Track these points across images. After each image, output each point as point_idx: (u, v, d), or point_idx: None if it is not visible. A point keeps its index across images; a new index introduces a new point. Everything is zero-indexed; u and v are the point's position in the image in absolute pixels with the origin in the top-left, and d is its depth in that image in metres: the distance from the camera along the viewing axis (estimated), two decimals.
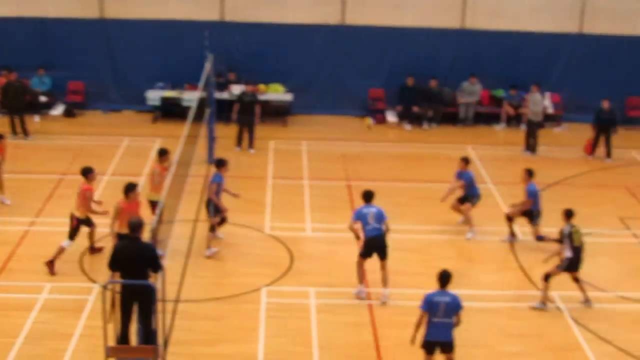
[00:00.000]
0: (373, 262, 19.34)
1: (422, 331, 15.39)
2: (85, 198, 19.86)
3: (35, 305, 18.17)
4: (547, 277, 18.66)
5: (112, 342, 14.17)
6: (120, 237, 17.73)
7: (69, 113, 31.11)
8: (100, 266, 19.15)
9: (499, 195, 24.71)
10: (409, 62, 31.45)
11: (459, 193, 22.28)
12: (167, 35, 31.26)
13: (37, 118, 30.43)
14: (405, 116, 31.16)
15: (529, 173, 21.64)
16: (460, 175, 22.15)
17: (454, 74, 31.76)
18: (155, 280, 14.32)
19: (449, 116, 31.59)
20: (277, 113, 31.35)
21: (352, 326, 17.92)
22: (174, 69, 31.18)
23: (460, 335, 17.09)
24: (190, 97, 28.42)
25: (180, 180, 21.16)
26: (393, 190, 24.44)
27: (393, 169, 26.95)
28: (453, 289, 18.03)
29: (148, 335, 14.13)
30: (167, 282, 14.80)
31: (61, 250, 19.72)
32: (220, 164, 20.83)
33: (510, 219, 21.86)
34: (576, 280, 18.82)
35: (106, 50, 31.61)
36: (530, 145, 28.49)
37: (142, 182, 23.33)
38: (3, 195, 23.22)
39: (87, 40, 31.37)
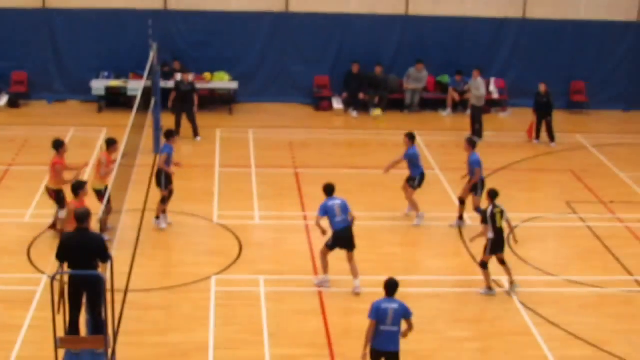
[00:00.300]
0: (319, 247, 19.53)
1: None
2: (56, 172, 20.12)
3: None
4: (483, 265, 18.68)
5: (61, 333, 14.08)
6: None
7: (13, 103, 30.75)
8: (48, 257, 19.02)
9: (446, 181, 24.83)
10: (354, 49, 31.51)
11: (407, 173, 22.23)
12: (110, 25, 31.02)
13: None
14: (351, 103, 31.21)
15: (471, 143, 21.71)
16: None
17: (399, 61, 31.88)
18: (103, 270, 14.25)
19: (395, 103, 31.66)
20: (222, 101, 31.27)
21: (302, 314, 17.94)
22: (118, 59, 30.98)
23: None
24: (135, 87, 28.23)
25: (127, 170, 21.07)
26: (340, 177, 24.37)
27: (340, 156, 27.01)
28: (402, 275, 18.19)
29: (97, 326, 14.06)
30: (115, 272, 14.72)
31: (60, 221, 19.88)
32: (170, 134, 21.01)
33: (463, 201, 21.95)
34: (502, 262, 18.79)
35: (49, 40, 31.29)
36: (476, 131, 28.64)
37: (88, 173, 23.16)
38: None
39: (29, 30, 31.03)
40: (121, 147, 19.87)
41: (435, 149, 27.50)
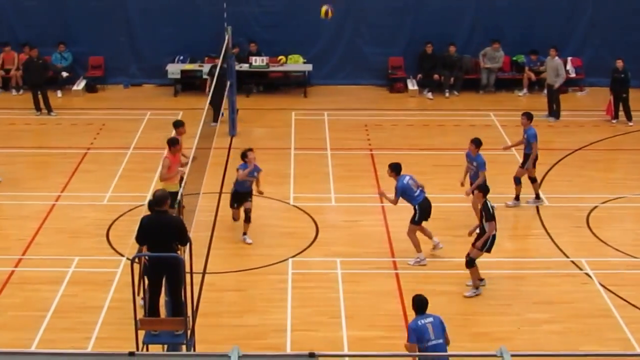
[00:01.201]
0: (397, 231, 19.51)
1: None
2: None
3: (63, 278, 18.34)
4: (471, 262, 17.78)
5: (141, 315, 14.22)
6: None
7: (90, 88, 31.15)
8: (127, 239, 19.27)
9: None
10: (427, 30, 31.22)
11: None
12: (185, 8, 31.14)
13: (59, 94, 30.49)
14: (426, 84, 31.01)
15: (529, 117, 21.78)
16: (470, 157, 20.88)
17: (473, 40, 31.53)
18: (182, 253, 14.36)
19: (470, 83, 31.37)
20: (297, 84, 31.33)
21: (379, 295, 17.92)
22: (193, 42, 31.07)
23: (487, 303, 17.26)
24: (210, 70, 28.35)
25: (204, 153, 21.18)
26: (415, 158, 24.39)
27: (415, 137, 26.85)
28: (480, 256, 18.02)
29: (177, 308, 14.17)
30: (193, 254, 14.82)
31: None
32: (243, 156, 20.05)
33: (534, 180, 21.72)
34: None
35: (125, 25, 31.56)
36: (554, 111, 28.29)
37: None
38: None
39: (106, 15, 31.31)
40: (198, 129, 19.91)
41: (512, 129, 27.07)
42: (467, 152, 20.88)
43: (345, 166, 24.38)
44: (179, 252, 14.15)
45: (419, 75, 31.05)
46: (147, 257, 14.07)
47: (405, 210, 19.45)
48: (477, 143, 20.66)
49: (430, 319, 14.02)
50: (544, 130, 25.91)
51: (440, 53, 30.88)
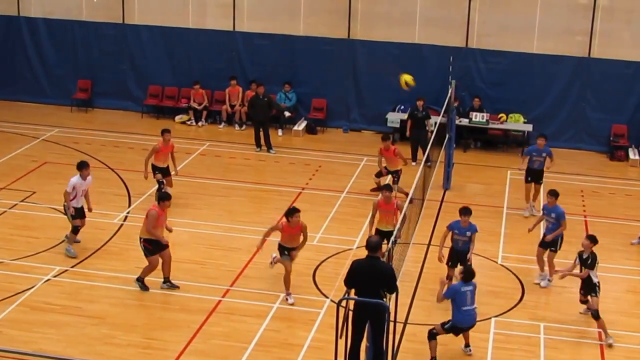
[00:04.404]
0: (606, 302, 19.01)
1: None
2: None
3: (268, 313, 18.73)
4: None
5: (341, 358, 14.35)
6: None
7: (310, 129, 31.84)
8: (332, 281, 19.55)
9: None
10: None
11: None
12: (410, 59, 31.37)
13: (280, 132, 31.38)
14: None
15: None
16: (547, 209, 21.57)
17: None
18: (388, 300, 14.42)
19: None
20: (516, 143, 31.04)
21: None
22: (416, 92, 31.14)
23: None
24: (430, 122, 28.47)
25: (417, 204, 21.25)
26: (631, 229, 23.78)
27: (633, 208, 26.05)
28: None
29: (377, 354, 14.23)
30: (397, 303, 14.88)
31: None
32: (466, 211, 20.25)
33: None
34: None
35: (351, 70, 32.15)
36: None
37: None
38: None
39: (332, 59, 32.02)
40: (414, 180, 20.01)
41: None
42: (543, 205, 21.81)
43: None
44: (385, 299, 14.22)
45: None
46: (353, 301, 14.20)
47: (615, 281, 18.96)
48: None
49: (471, 287, 16.95)
50: None
51: None
